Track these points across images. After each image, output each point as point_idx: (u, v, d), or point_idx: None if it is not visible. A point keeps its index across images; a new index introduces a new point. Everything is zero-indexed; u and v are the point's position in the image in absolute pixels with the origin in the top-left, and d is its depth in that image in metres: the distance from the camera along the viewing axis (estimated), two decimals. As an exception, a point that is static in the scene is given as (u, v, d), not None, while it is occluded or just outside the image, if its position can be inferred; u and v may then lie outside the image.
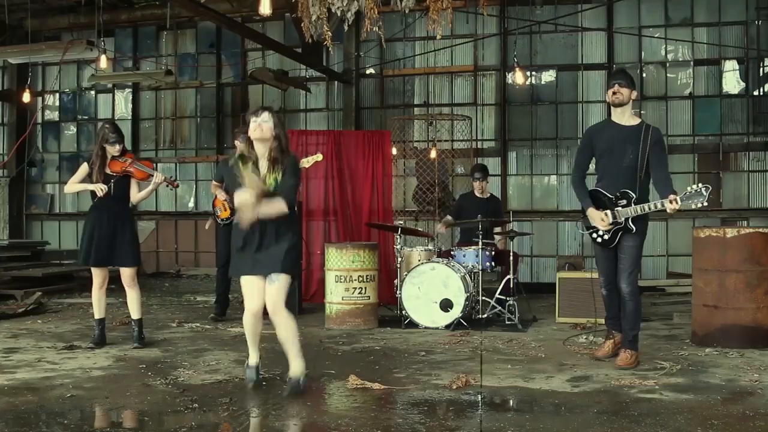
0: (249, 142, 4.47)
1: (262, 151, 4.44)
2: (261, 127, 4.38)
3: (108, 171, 5.96)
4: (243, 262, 4.47)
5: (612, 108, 5.26)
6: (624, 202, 5.10)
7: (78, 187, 6.06)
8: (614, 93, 5.14)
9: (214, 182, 7.81)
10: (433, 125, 11.23)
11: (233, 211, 7.39)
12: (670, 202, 4.89)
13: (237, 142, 7.69)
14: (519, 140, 11.48)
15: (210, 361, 5.50)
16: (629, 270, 5.16)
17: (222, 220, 7.58)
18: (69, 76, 13.39)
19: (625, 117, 5.22)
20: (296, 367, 4.45)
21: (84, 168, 6.02)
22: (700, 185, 4.89)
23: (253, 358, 4.65)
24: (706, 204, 4.93)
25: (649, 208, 5.03)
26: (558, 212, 11.21)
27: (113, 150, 5.96)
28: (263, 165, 4.44)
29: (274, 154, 4.42)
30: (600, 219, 5.16)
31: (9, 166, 13.09)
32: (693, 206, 4.93)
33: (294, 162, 4.51)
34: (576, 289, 7.20)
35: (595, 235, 5.28)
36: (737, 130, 10.95)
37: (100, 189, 5.88)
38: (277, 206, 4.32)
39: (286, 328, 4.44)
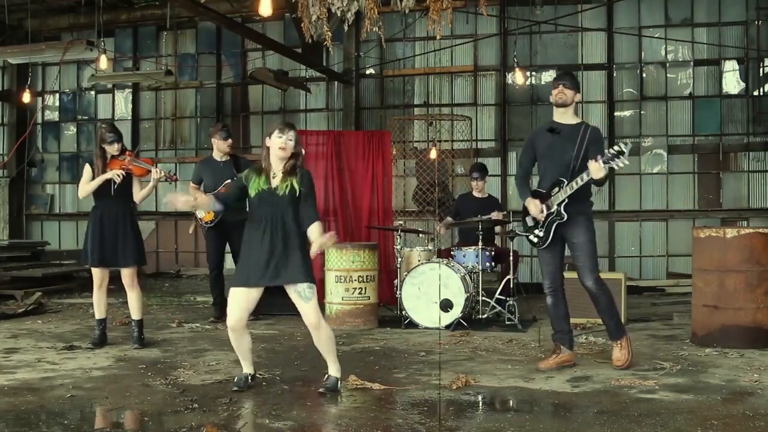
0: (267, 153, 4.53)
1: (277, 164, 4.51)
2: (287, 146, 4.47)
3: (109, 170, 5.96)
4: (256, 270, 4.43)
5: (555, 108, 5.25)
6: (556, 189, 5.08)
7: (92, 184, 5.97)
8: (558, 93, 5.14)
9: (192, 184, 7.60)
10: (433, 125, 11.23)
11: (217, 213, 7.30)
12: (594, 162, 4.80)
13: (213, 140, 7.61)
14: (519, 140, 11.45)
15: (210, 361, 5.50)
16: (589, 266, 5.09)
17: (206, 223, 7.48)
18: (69, 76, 13.39)
19: (566, 117, 5.21)
20: (335, 369, 4.56)
21: (88, 170, 6.02)
22: (620, 143, 4.82)
23: (247, 368, 4.67)
24: (627, 163, 4.78)
25: (577, 183, 4.95)
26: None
27: (112, 149, 5.96)
28: (277, 177, 4.50)
29: (289, 168, 4.49)
30: (534, 206, 5.14)
31: (9, 166, 13.08)
32: (617, 166, 4.83)
33: (311, 181, 4.57)
34: (576, 290, 7.08)
35: (531, 237, 5.26)
36: (737, 130, 10.95)
37: (117, 175, 5.89)
38: (318, 230, 4.43)
39: (327, 338, 4.53)
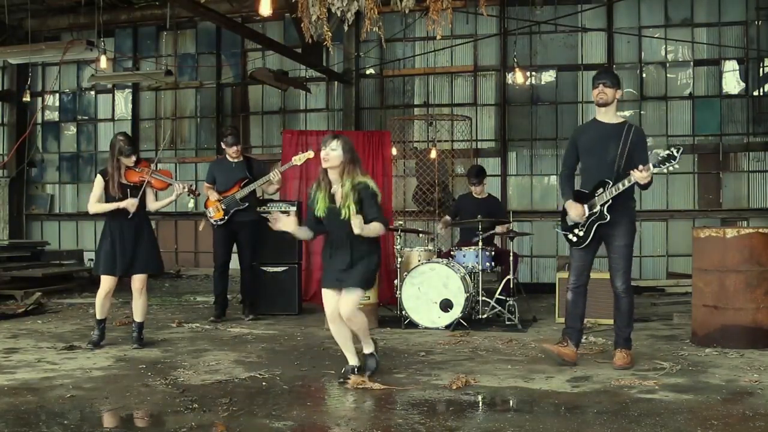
0: (323, 169, 4.70)
1: (334, 176, 4.68)
2: (329, 157, 4.61)
3: (124, 181, 5.96)
4: (330, 275, 4.77)
5: (597, 107, 5.27)
6: (601, 190, 5.09)
7: (106, 207, 5.95)
8: (599, 93, 5.15)
9: (206, 184, 7.76)
10: (433, 125, 11.23)
11: (227, 211, 7.46)
12: (639, 170, 4.83)
13: (222, 145, 7.71)
14: (519, 140, 11.49)
15: (210, 361, 5.50)
16: (623, 269, 5.16)
17: (216, 221, 7.55)
18: (69, 76, 13.40)
19: (609, 116, 5.22)
20: (369, 348, 4.92)
21: (100, 182, 5.98)
22: (672, 148, 4.86)
23: (351, 360, 4.87)
24: (677, 167, 4.86)
25: (622, 186, 4.97)
26: (558, 212, 11.10)
27: (129, 161, 5.96)
28: (338, 190, 4.67)
29: (346, 179, 4.62)
30: (575, 210, 5.16)
31: (9, 166, 13.09)
32: (666, 170, 4.88)
33: (370, 190, 4.66)
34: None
35: (570, 236, 5.27)
36: (737, 131, 10.95)
37: (132, 204, 5.88)
38: (376, 229, 4.62)
39: (361, 325, 4.80)
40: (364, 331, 4.86)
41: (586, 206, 5.15)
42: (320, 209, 4.71)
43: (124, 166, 5.97)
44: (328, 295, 4.81)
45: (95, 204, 6.01)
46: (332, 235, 4.78)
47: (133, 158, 5.97)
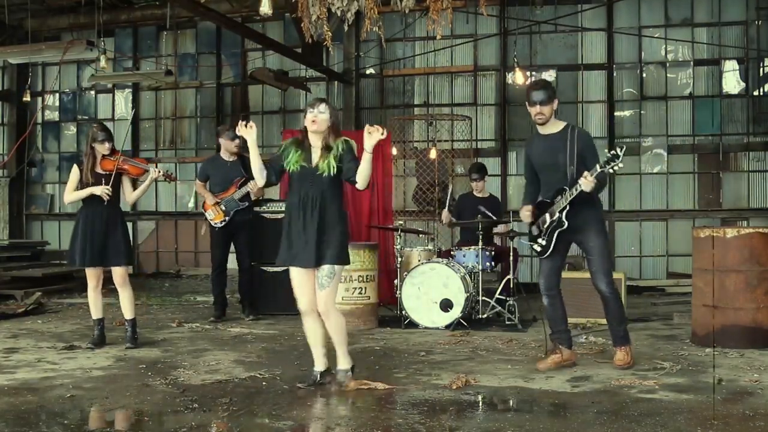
0: (304, 131, 4.59)
1: (316, 141, 4.57)
2: (317, 119, 4.51)
3: (99, 170, 5.96)
4: (303, 249, 4.47)
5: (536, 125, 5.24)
6: (559, 197, 5.09)
7: (80, 194, 5.97)
8: (537, 114, 5.09)
9: (198, 182, 7.74)
10: (433, 125, 11.22)
11: (227, 213, 7.45)
12: (584, 178, 4.82)
13: (221, 140, 7.71)
14: (519, 140, 11.45)
15: (210, 361, 5.50)
16: (602, 269, 5.10)
17: (217, 223, 7.53)
18: (69, 76, 13.38)
19: (549, 127, 5.18)
20: (344, 361, 4.62)
21: (76, 172, 6.00)
22: (616, 147, 4.84)
23: (318, 364, 4.68)
24: (621, 165, 4.76)
25: (575, 191, 4.94)
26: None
27: (103, 149, 5.96)
28: (316, 153, 4.55)
29: (327, 142, 4.55)
30: (525, 212, 5.26)
31: (9, 166, 13.07)
32: (611, 171, 4.83)
33: (351, 145, 4.60)
34: (576, 289, 7.16)
35: (535, 246, 5.28)
36: (737, 130, 10.95)
37: (106, 192, 5.86)
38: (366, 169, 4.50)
39: (335, 326, 4.56)
40: (343, 337, 4.56)
41: (546, 214, 5.15)
42: (294, 163, 4.52)
43: (100, 155, 5.97)
44: (302, 278, 4.52)
45: (70, 193, 6.02)
46: (301, 197, 4.49)
47: (107, 146, 5.96)
